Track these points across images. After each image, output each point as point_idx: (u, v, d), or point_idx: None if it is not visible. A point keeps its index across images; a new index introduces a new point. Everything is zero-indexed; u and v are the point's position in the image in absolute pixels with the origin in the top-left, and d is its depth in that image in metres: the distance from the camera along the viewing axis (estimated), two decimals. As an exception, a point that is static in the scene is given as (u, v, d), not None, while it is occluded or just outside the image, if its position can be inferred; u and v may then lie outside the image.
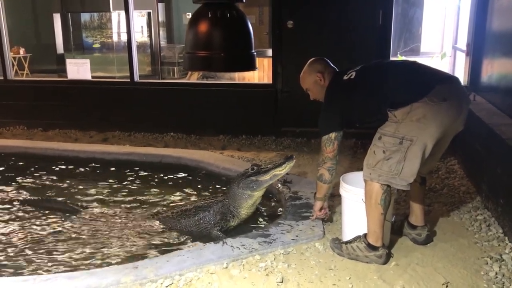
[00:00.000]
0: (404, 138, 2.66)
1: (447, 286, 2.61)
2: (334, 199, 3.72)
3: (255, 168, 3.45)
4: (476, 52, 5.31)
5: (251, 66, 3.71)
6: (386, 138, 2.73)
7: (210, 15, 3.35)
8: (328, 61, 3.23)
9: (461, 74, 5.89)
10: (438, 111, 2.63)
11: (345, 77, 2.97)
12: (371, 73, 2.94)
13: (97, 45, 9.93)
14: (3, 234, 3.51)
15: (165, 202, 4.08)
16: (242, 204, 3.43)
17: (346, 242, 2.96)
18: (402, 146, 2.67)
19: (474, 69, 5.35)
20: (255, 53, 3.65)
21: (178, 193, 4.28)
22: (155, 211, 3.77)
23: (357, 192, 2.94)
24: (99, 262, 3.07)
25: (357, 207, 2.94)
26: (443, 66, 7.56)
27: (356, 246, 2.89)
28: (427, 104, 2.62)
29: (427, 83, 2.69)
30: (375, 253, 2.83)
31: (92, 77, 6.68)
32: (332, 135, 3.01)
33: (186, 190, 4.34)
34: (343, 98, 2.97)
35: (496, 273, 2.70)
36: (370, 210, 2.80)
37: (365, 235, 2.88)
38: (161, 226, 3.56)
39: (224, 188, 4.32)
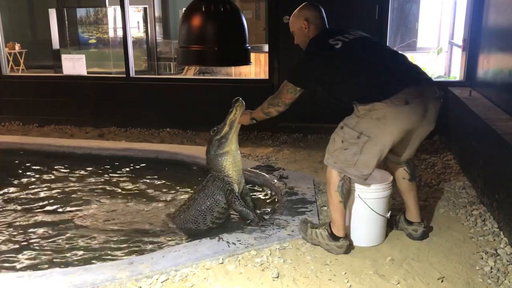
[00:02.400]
0: (362, 134, 2.71)
1: (442, 280, 2.61)
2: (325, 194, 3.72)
3: (215, 129, 3.46)
4: (472, 47, 5.31)
5: (245, 61, 3.68)
6: (347, 129, 2.77)
7: (203, 9, 3.32)
8: (322, 12, 3.11)
9: (457, 69, 5.90)
10: (399, 114, 2.65)
11: (331, 41, 2.88)
12: (356, 56, 2.86)
13: (93, 41, 9.88)
14: (-2, 230, 3.50)
15: (161, 198, 4.07)
16: (225, 165, 3.41)
17: (313, 227, 3.01)
18: (360, 141, 2.71)
19: (470, 64, 5.36)
20: (249, 48, 3.63)
21: (174, 189, 4.27)
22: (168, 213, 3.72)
23: (352, 188, 2.95)
24: (94, 257, 3.06)
25: (351, 202, 2.96)
26: (439, 61, 7.57)
27: (319, 233, 2.93)
28: (389, 106, 2.64)
29: (396, 84, 2.68)
30: (335, 243, 2.88)
31: (88, 72, 6.67)
32: (298, 88, 2.99)
33: (182, 186, 4.33)
34: (322, 65, 2.90)
35: (491, 268, 2.71)
36: (330, 198, 2.88)
37: (330, 224, 2.92)
38: (168, 225, 3.54)
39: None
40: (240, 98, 3.40)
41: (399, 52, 3.06)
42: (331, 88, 2.95)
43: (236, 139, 3.46)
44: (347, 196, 2.87)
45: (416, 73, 2.85)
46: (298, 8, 3.14)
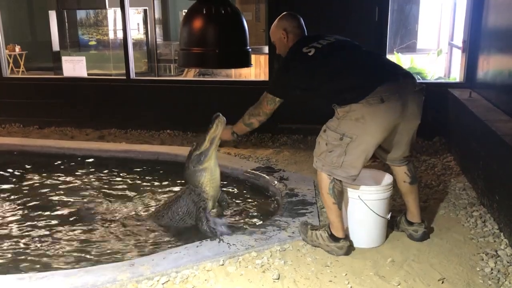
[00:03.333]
0: (344, 135, 2.74)
1: (443, 282, 2.62)
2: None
3: (194, 144, 3.48)
4: (472, 49, 5.32)
5: (245, 63, 3.68)
6: (330, 132, 2.81)
7: (204, 12, 3.33)
8: (299, 20, 3.17)
9: (457, 70, 5.90)
10: (376, 112, 2.67)
11: (305, 50, 2.93)
12: (327, 62, 2.88)
13: (93, 43, 9.89)
14: (-1, 232, 3.50)
15: (162, 199, 4.07)
16: (202, 180, 3.42)
17: (313, 228, 3.02)
18: (343, 142, 2.74)
19: (470, 66, 5.36)
20: (250, 50, 3.63)
21: (175, 191, 4.27)
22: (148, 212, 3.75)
23: (353, 190, 2.96)
24: (95, 259, 3.06)
25: (352, 204, 2.97)
26: (439, 62, 7.57)
27: (319, 234, 2.95)
28: (364, 106, 2.67)
29: (370, 84, 2.70)
30: (336, 244, 2.89)
31: (88, 74, 6.68)
32: (277, 98, 3.04)
33: (183, 188, 4.33)
34: (294, 73, 2.95)
35: (492, 269, 2.72)
36: (324, 201, 2.91)
37: (329, 225, 2.94)
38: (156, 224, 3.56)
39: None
40: (220, 114, 3.42)
41: (376, 52, 3.10)
42: (310, 94, 3.00)
43: (215, 155, 3.47)
44: (340, 197, 2.89)
45: (392, 69, 2.87)
46: (277, 19, 3.21)
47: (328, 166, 2.82)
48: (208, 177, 3.44)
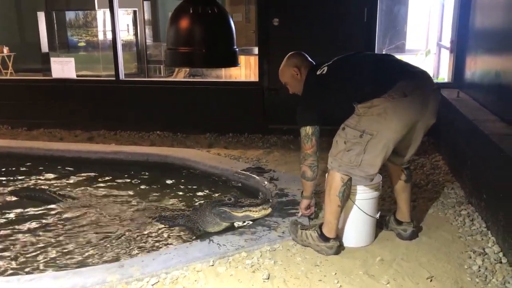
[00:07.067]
0: (364, 132, 2.70)
1: (431, 280, 2.64)
2: (320, 195, 3.74)
3: (232, 199, 3.39)
4: (460, 49, 5.37)
5: (232, 62, 3.68)
6: (349, 129, 2.77)
7: (191, 11, 3.32)
8: (305, 55, 3.25)
9: (445, 71, 5.95)
10: (399, 106, 2.65)
11: (319, 72, 2.99)
12: (342, 69, 2.96)
13: (82, 44, 9.83)
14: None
15: (151, 201, 4.07)
16: (208, 227, 3.39)
17: (303, 228, 3.03)
18: (362, 140, 2.71)
19: (458, 66, 5.42)
20: (237, 50, 3.63)
21: (164, 192, 4.27)
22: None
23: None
24: (84, 261, 3.05)
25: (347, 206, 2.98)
26: (427, 63, 7.62)
27: (309, 234, 2.95)
28: (387, 100, 2.65)
29: (390, 79, 2.72)
30: (325, 244, 2.89)
31: (78, 75, 6.63)
32: (309, 130, 3.02)
33: (172, 189, 4.32)
34: (317, 93, 3.00)
35: (479, 267, 2.74)
36: (328, 200, 2.86)
37: (320, 225, 2.94)
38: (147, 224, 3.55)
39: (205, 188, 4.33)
40: (271, 203, 3.42)
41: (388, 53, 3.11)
42: (337, 104, 2.95)
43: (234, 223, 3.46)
44: (346, 201, 2.87)
45: (410, 67, 2.90)
46: (283, 61, 3.26)
47: (345, 166, 2.77)
48: (216, 229, 3.39)
